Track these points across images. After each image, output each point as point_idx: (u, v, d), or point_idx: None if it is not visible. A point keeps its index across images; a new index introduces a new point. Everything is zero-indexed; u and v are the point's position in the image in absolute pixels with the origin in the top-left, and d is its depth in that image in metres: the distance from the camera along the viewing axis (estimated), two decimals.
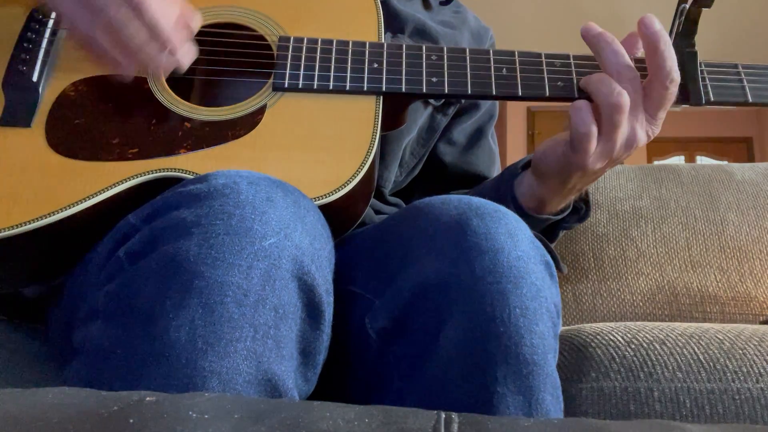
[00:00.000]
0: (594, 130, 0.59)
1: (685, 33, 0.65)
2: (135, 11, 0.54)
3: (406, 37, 0.79)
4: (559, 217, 0.71)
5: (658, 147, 5.52)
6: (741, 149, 5.63)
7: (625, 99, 0.58)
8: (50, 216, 0.54)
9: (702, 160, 5.59)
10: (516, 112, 5.37)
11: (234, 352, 0.40)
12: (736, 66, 0.66)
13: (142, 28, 0.55)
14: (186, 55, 0.59)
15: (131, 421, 0.27)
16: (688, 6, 0.63)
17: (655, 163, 3.02)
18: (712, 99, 0.64)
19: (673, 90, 0.60)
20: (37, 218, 0.53)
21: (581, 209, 0.73)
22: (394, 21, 0.79)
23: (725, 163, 2.68)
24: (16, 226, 0.53)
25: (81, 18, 0.55)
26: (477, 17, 0.93)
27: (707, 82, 0.65)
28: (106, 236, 0.51)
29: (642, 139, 0.61)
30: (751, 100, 0.65)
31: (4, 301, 0.66)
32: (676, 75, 0.60)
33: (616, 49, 0.61)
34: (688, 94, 0.63)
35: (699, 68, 0.64)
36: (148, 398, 0.29)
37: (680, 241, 1.10)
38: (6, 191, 0.55)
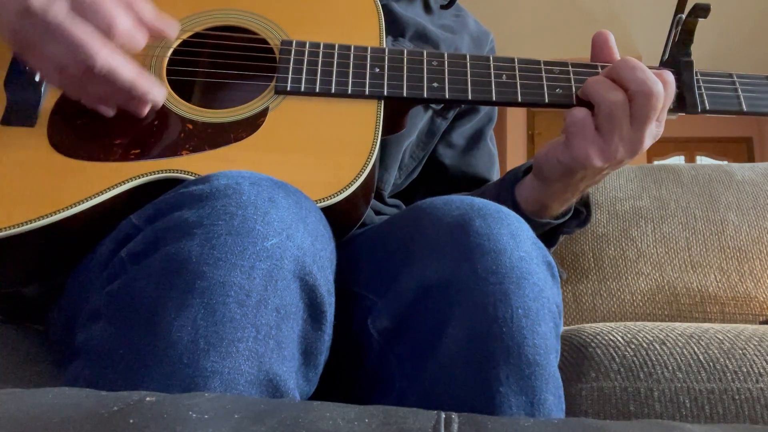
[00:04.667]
0: (583, 115, 0.59)
1: (681, 42, 0.66)
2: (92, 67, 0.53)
3: (407, 41, 0.79)
4: (560, 221, 0.71)
5: (658, 147, 5.52)
6: (741, 149, 5.64)
7: (621, 96, 0.58)
8: (51, 216, 0.54)
9: (702, 160, 5.60)
10: (516, 112, 5.36)
11: (236, 353, 0.40)
12: (731, 75, 0.67)
13: (100, 84, 0.54)
14: (158, 94, 0.58)
15: (131, 421, 0.27)
16: (684, 16, 0.64)
17: (655, 163, 3.02)
18: (707, 108, 0.66)
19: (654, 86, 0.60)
20: (38, 218, 0.53)
21: (582, 213, 0.73)
22: (394, 25, 0.79)
23: (725, 163, 2.69)
24: (17, 225, 0.53)
25: (49, 76, 0.55)
26: (477, 21, 0.93)
27: (703, 91, 0.66)
28: (108, 236, 0.51)
29: (647, 142, 0.61)
30: (745, 110, 0.66)
31: (4, 301, 0.66)
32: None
33: (633, 65, 0.60)
34: (684, 102, 0.65)
35: (695, 77, 0.66)
36: (148, 398, 0.29)
37: (680, 241, 1.10)
38: (7, 190, 0.55)
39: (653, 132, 0.61)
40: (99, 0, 0.53)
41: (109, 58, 0.53)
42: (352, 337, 0.55)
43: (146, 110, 0.58)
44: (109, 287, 0.45)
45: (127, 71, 0.54)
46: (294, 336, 0.44)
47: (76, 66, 0.53)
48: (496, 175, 0.90)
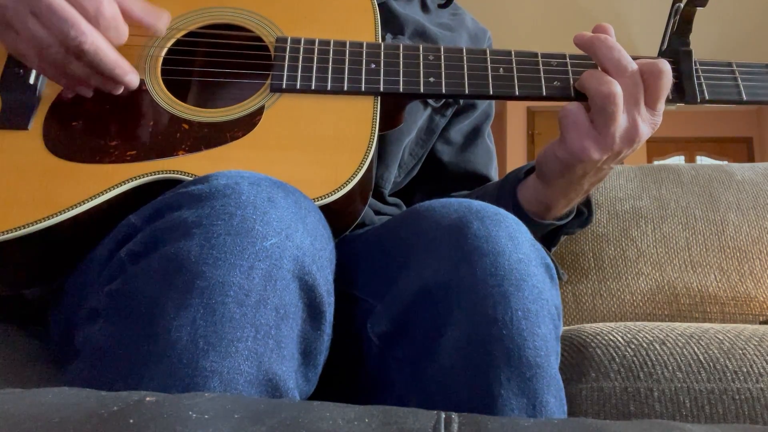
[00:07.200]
0: (576, 108, 0.59)
1: (679, 32, 0.65)
2: (76, 54, 0.54)
3: (406, 38, 0.79)
4: (563, 222, 0.71)
5: (658, 147, 5.52)
6: (741, 149, 5.64)
7: (615, 88, 0.58)
8: (49, 219, 0.53)
9: (702, 160, 5.60)
10: (516, 111, 5.37)
11: (235, 352, 0.40)
12: (730, 64, 0.66)
13: (83, 67, 0.56)
14: (135, 77, 0.59)
15: (131, 421, 0.27)
16: (682, 5, 0.63)
17: (655, 163, 3.02)
18: (707, 97, 0.64)
19: (651, 78, 0.59)
20: (35, 221, 0.53)
21: (583, 214, 0.73)
22: (394, 23, 0.79)
23: (725, 163, 2.68)
24: (15, 229, 0.53)
25: (27, 56, 0.56)
26: (475, 19, 0.93)
27: (702, 80, 0.65)
28: (108, 236, 0.51)
29: (645, 132, 0.60)
30: (745, 99, 0.65)
31: (4, 303, 0.66)
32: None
33: (610, 45, 0.60)
34: (683, 92, 0.64)
35: (694, 67, 0.65)
36: (148, 398, 0.29)
37: (680, 241, 1.10)
38: (4, 194, 0.55)
39: (650, 120, 0.60)
40: None
41: (98, 39, 0.54)
42: (351, 340, 0.55)
43: (120, 90, 0.59)
44: (109, 287, 0.45)
45: (112, 52, 0.56)
46: (293, 336, 0.44)
47: (60, 45, 0.53)
48: (494, 172, 0.90)
